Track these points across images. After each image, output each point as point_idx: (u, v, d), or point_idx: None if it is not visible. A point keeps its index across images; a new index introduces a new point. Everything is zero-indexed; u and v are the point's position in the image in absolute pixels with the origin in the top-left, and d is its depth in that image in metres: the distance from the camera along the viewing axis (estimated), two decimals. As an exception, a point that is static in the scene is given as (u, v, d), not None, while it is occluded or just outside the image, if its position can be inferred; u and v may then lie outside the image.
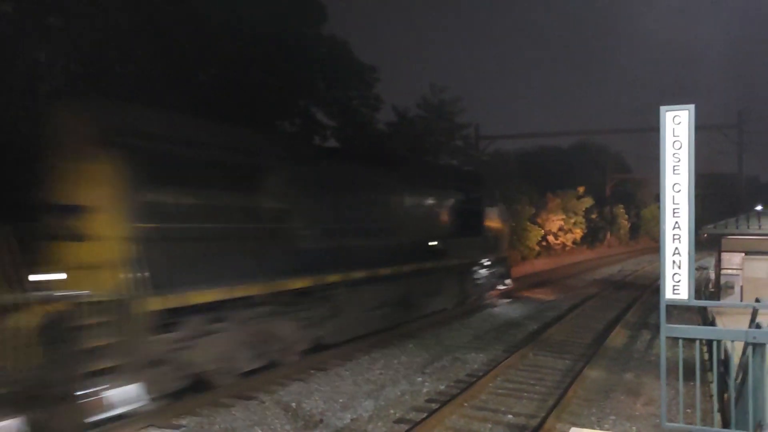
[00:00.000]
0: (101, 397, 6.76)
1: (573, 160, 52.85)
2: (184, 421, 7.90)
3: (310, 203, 10.76)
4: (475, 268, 17.95)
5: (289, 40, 21.20)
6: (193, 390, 8.62)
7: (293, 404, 8.71)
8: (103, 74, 17.59)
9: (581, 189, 45.29)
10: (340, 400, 8.89)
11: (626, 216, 63.06)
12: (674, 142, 4.88)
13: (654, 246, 56.69)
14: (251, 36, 19.74)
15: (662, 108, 5.02)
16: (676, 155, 4.87)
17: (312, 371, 10.43)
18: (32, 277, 6.97)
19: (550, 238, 40.03)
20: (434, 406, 8.49)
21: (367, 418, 8.10)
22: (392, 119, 33.05)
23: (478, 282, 18.23)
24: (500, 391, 9.47)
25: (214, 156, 8.96)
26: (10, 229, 6.99)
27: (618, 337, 13.86)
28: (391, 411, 8.43)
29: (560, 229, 41.17)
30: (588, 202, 45.51)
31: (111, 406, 6.89)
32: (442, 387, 9.67)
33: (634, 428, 7.84)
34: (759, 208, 23.71)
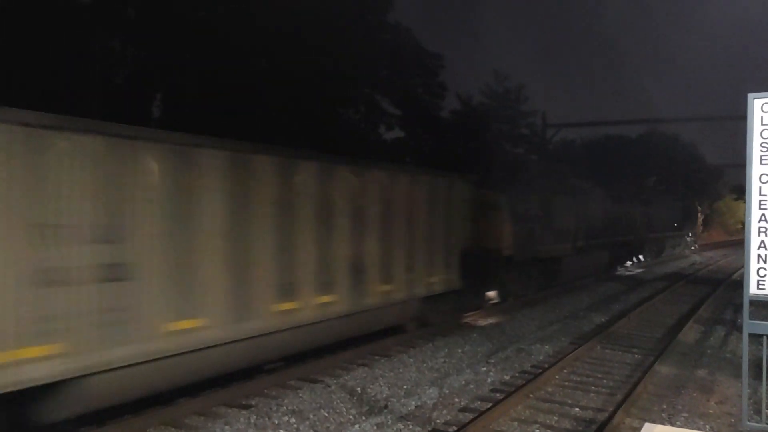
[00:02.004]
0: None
1: (642, 150, 51.17)
2: (253, 401, 8.12)
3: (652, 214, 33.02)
4: (687, 236, 42.23)
5: (353, 27, 21.27)
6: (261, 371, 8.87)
7: (358, 389, 8.81)
8: (172, 63, 18.09)
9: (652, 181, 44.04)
10: (405, 387, 8.94)
11: (699, 208, 60.82)
12: (763, 131, 4.65)
13: (728, 239, 54.60)
14: (315, 23, 19.91)
15: (750, 95, 4.78)
16: (764, 144, 4.64)
17: (376, 357, 10.52)
18: None
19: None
20: (499, 396, 8.45)
21: (431, 406, 8.12)
22: (456, 107, 32.84)
23: (688, 241, 42.65)
24: (566, 383, 9.34)
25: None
26: None
27: (690, 333, 13.42)
28: (456, 399, 8.43)
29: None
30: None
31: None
32: (506, 377, 9.60)
33: (708, 426, 7.59)
34: None
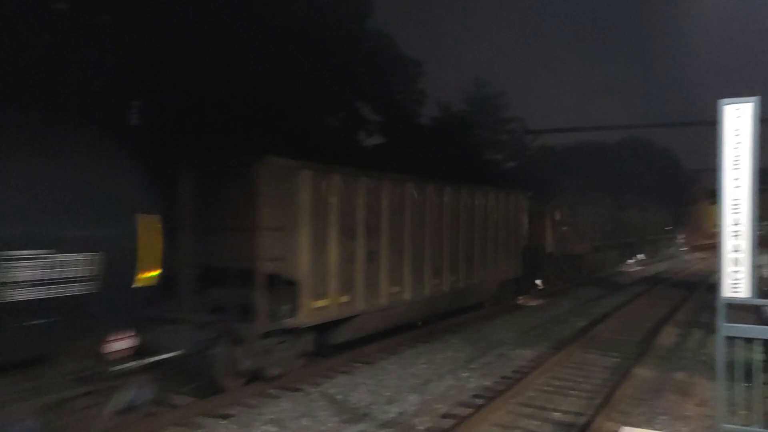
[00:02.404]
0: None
1: (620, 156, 51.72)
2: (233, 411, 8.05)
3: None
4: (677, 239, 49.11)
5: (333, 34, 21.26)
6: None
7: (339, 397, 8.78)
8: (151, 71, 17.96)
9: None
10: (386, 394, 8.92)
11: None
12: (734, 136, 4.73)
13: (705, 243, 55.44)
14: (295, 30, 19.87)
15: (721, 101, 4.86)
16: (736, 150, 4.72)
17: (357, 364, 10.50)
18: None
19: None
20: (480, 401, 8.46)
21: (413, 412, 8.11)
22: (437, 114, 32.93)
23: (679, 242, 48.98)
24: (547, 388, 9.38)
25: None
26: None
27: (668, 336, 13.56)
28: (437, 406, 8.43)
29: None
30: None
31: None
32: (487, 383, 9.62)
33: (686, 429, 7.66)
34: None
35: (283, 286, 8.83)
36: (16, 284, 4.57)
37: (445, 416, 7.98)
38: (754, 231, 4.70)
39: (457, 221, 13.84)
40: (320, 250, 9.58)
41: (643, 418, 8.06)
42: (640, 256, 37.09)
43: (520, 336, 13.45)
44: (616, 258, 31.17)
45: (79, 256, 5.06)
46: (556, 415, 8.16)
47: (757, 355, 5.23)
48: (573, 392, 9.18)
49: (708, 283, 24.01)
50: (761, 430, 5.66)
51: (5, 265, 4.52)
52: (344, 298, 10.13)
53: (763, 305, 13.60)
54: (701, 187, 64.22)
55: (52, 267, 4.81)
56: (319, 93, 21.56)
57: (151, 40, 17.99)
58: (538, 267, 20.12)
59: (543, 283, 20.84)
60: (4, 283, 4.52)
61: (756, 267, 4.74)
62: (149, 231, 5.78)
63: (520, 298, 18.57)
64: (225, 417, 7.83)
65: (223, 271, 8.47)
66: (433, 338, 12.72)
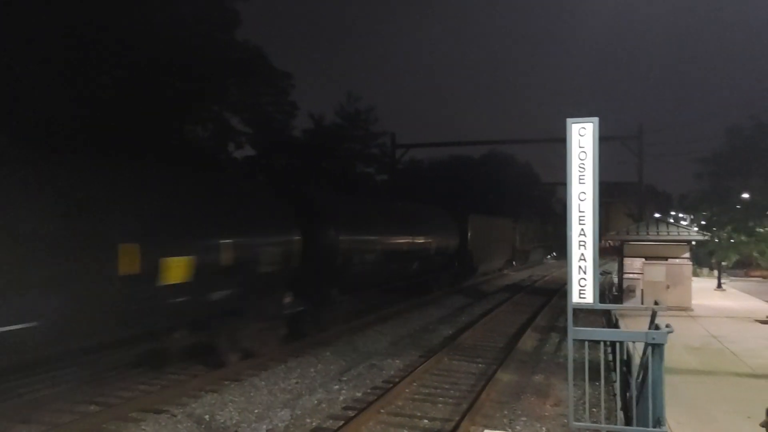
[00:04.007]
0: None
1: (485, 170, 54.22)
2: (89, 439, 7.56)
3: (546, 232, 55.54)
4: None
5: (199, 43, 20.71)
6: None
7: (206, 417, 8.48)
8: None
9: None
10: (256, 411, 8.74)
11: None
12: (580, 152, 5.10)
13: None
14: (160, 38, 19.17)
15: (569, 120, 5.23)
16: (581, 165, 5.09)
17: (226, 382, 10.19)
18: None
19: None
20: (351, 413, 8.49)
21: (283, 429, 8.00)
22: (309, 126, 32.97)
23: None
24: (416, 396, 9.58)
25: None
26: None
27: (528, 340, 14.30)
28: (308, 420, 8.36)
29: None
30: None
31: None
32: (358, 394, 9.68)
33: (544, 429, 8.10)
34: (657, 215, 24.99)
35: (470, 256, 26.64)
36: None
37: (315, 430, 7.93)
38: (597, 241, 5.08)
39: (497, 232, 32.01)
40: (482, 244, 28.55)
41: (505, 420, 8.45)
42: (554, 254, 55.80)
43: (390, 346, 13.65)
44: (543, 253, 51.73)
45: (450, 239, 24.21)
46: (425, 422, 8.35)
47: (603, 356, 5.65)
48: (441, 399, 9.44)
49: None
50: (608, 425, 6.10)
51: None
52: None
53: (607, 309, 14.72)
54: (558, 199, 68.76)
55: (437, 245, 22.48)
56: (185, 103, 20.90)
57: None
58: (513, 255, 38.45)
59: (516, 262, 39.91)
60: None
61: (600, 274, 5.13)
62: (460, 239, 25.65)
63: (505, 270, 37.18)
64: (80, 446, 7.33)
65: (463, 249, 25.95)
66: (305, 352, 12.61)
